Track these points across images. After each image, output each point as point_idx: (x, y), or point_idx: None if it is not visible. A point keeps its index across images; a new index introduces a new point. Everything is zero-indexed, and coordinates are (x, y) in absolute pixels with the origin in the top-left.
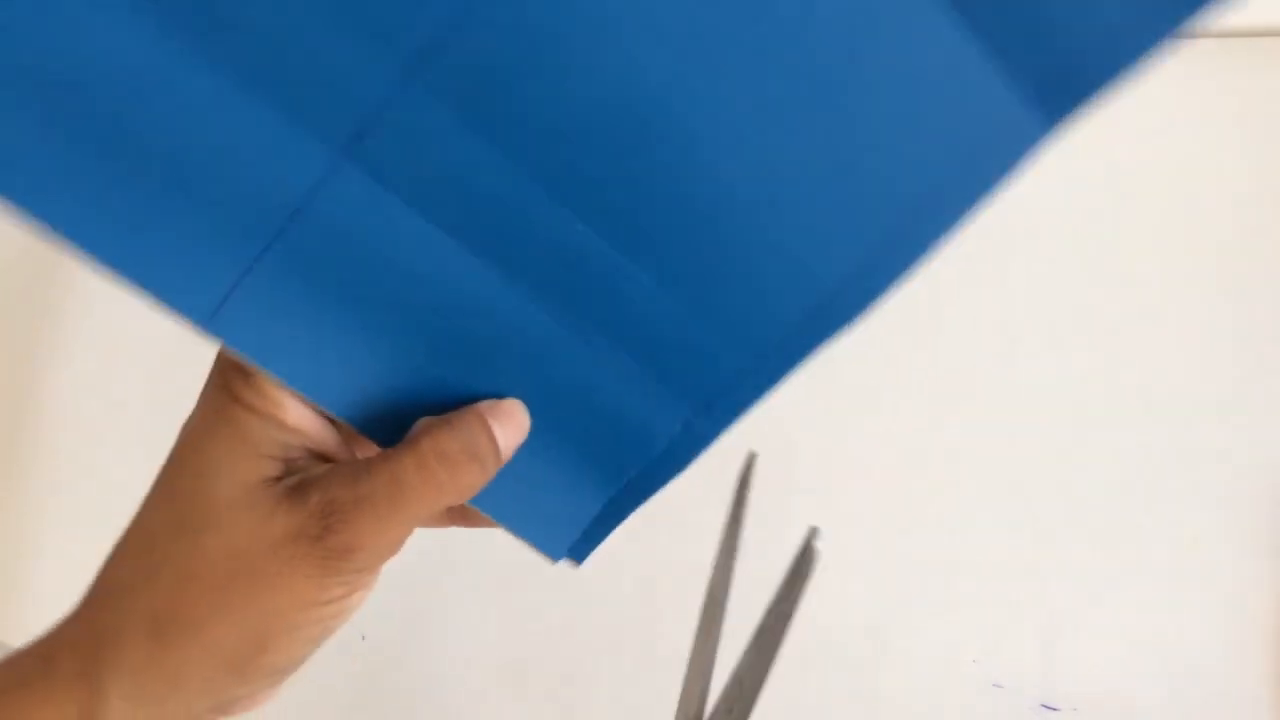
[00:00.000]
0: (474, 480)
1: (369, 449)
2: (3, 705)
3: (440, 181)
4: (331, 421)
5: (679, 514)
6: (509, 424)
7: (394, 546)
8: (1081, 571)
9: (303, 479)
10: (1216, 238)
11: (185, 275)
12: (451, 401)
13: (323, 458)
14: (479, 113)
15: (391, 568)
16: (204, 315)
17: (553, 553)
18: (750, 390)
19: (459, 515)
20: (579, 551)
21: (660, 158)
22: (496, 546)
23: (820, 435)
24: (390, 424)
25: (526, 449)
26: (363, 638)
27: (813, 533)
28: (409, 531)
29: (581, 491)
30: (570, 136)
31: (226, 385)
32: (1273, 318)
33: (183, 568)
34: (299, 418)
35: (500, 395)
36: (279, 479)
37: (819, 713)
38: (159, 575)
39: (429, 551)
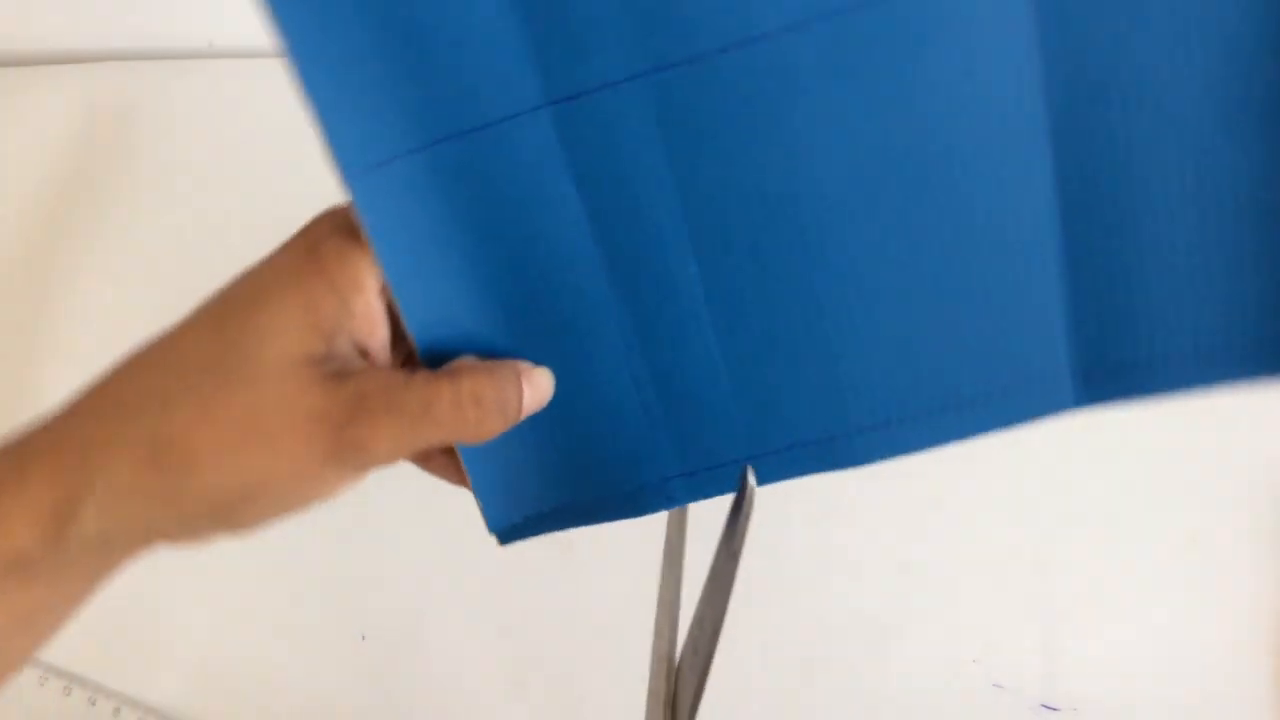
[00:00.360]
0: (493, 429)
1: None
2: None
3: (609, 171)
4: (392, 325)
5: None
6: (536, 390)
7: (396, 457)
8: (1081, 571)
9: (344, 368)
10: None
11: (359, 129)
12: (498, 352)
13: (365, 355)
14: (672, 137)
15: (392, 568)
16: (354, 169)
17: (492, 522)
18: (732, 479)
19: (441, 455)
20: (510, 535)
21: (789, 246)
22: (496, 548)
23: None
24: (441, 350)
25: (531, 423)
26: (363, 638)
27: (745, 470)
28: (416, 450)
29: (546, 484)
30: (732, 196)
31: (316, 251)
32: None
33: (205, 404)
34: (366, 308)
35: (550, 365)
36: (323, 360)
37: (819, 712)
38: (177, 403)
39: (429, 551)
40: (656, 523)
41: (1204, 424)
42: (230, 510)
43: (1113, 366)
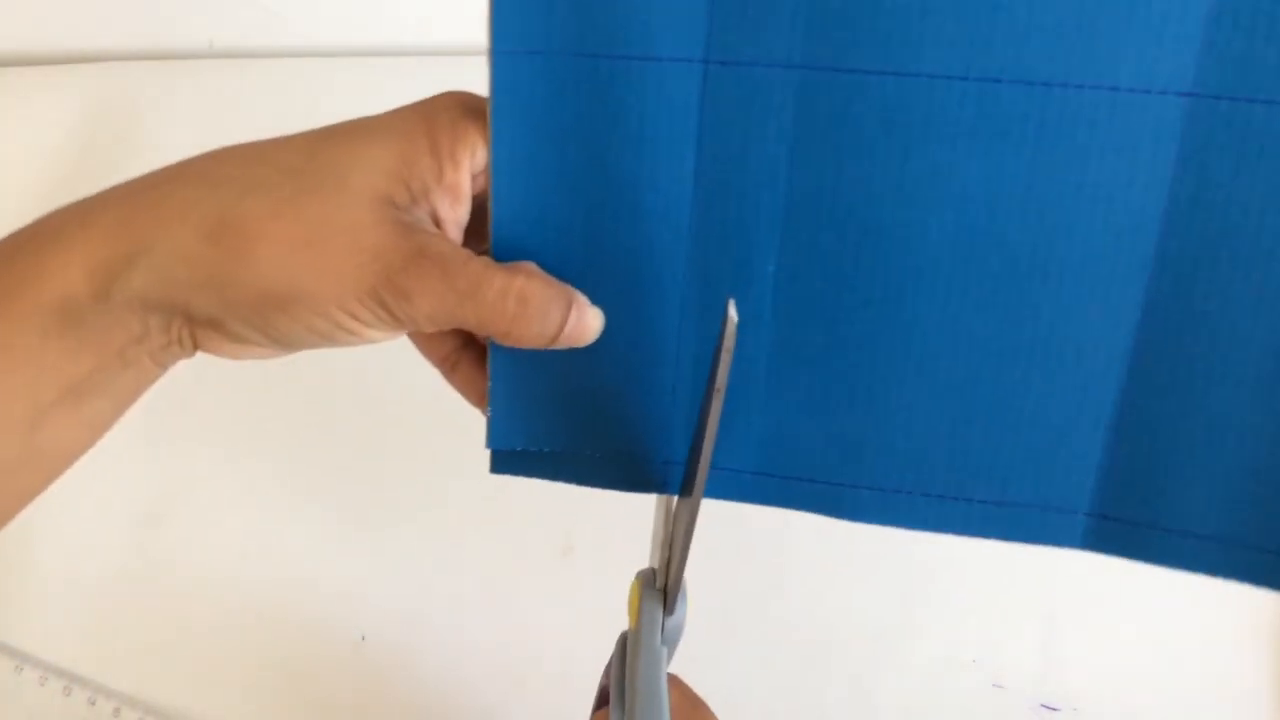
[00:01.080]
0: (526, 334)
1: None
2: (36, 246)
3: (731, 145)
4: (472, 224)
5: None
6: (581, 323)
7: (432, 322)
8: (1081, 571)
9: (416, 222)
10: None
11: (526, 13)
12: (562, 275)
13: (439, 227)
14: (801, 135)
15: (392, 568)
16: (505, 47)
17: (494, 438)
18: (733, 489)
19: (468, 368)
20: (504, 464)
21: (869, 281)
22: (497, 547)
23: None
24: (512, 248)
25: (566, 359)
26: (363, 638)
27: (728, 303)
28: (453, 322)
29: (558, 425)
30: (834, 212)
31: (430, 116)
32: None
33: (279, 202)
34: (454, 183)
35: (605, 310)
36: (401, 209)
37: (819, 712)
38: (254, 192)
39: (429, 551)
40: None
41: None
42: (267, 309)
43: (1130, 522)
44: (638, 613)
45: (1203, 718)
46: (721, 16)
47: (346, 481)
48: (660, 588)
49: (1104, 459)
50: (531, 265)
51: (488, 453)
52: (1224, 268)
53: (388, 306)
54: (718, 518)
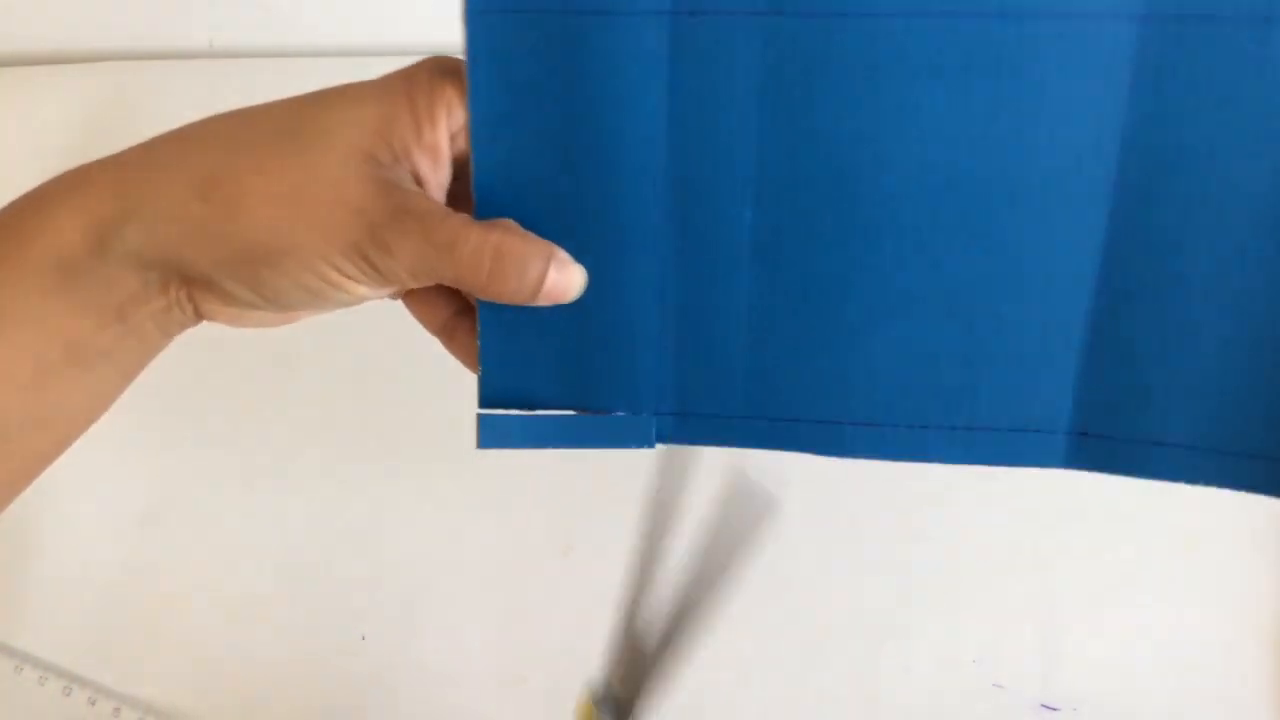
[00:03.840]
0: (502, 290)
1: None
2: (34, 206)
3: (703, 94)
4: (453, 185)
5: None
6: (562, 279)
7: (413, 277)
8: (1081, 571)
9: (398, 180)
10: None
11: None
12: (544, 230)
13: (420, 186)
14: (769, 81)
15: (392, 568)
16: (479, 5)
17: (484, 398)
18: (722, 433)
19: (463, 335)
20: (494, 434)
21: (842, 222)
22: (497, 547)
23: None
24: (495, 204)
25: (552, 314)
26: (363, 638)
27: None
28: (433, 277)
29: (547, 378)
30: (805, 155)
31: (409, 79)
32: None
33: (264, 159)
34: (434, 143)
35: (587, 265)
36: (383, 166)
37: (819, 712)
38: (240, 150)
39: (429, 551)
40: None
41: None
42: (255, 264)
43: (1109, 437)
44: None
45: (1203, 718)
46: None
47: (347, 481)
48: (614, 709)
49: (1080, 378)
50: (510, 222)
51: (487, 453)
52: (1183, 185)
53: (370, 260)
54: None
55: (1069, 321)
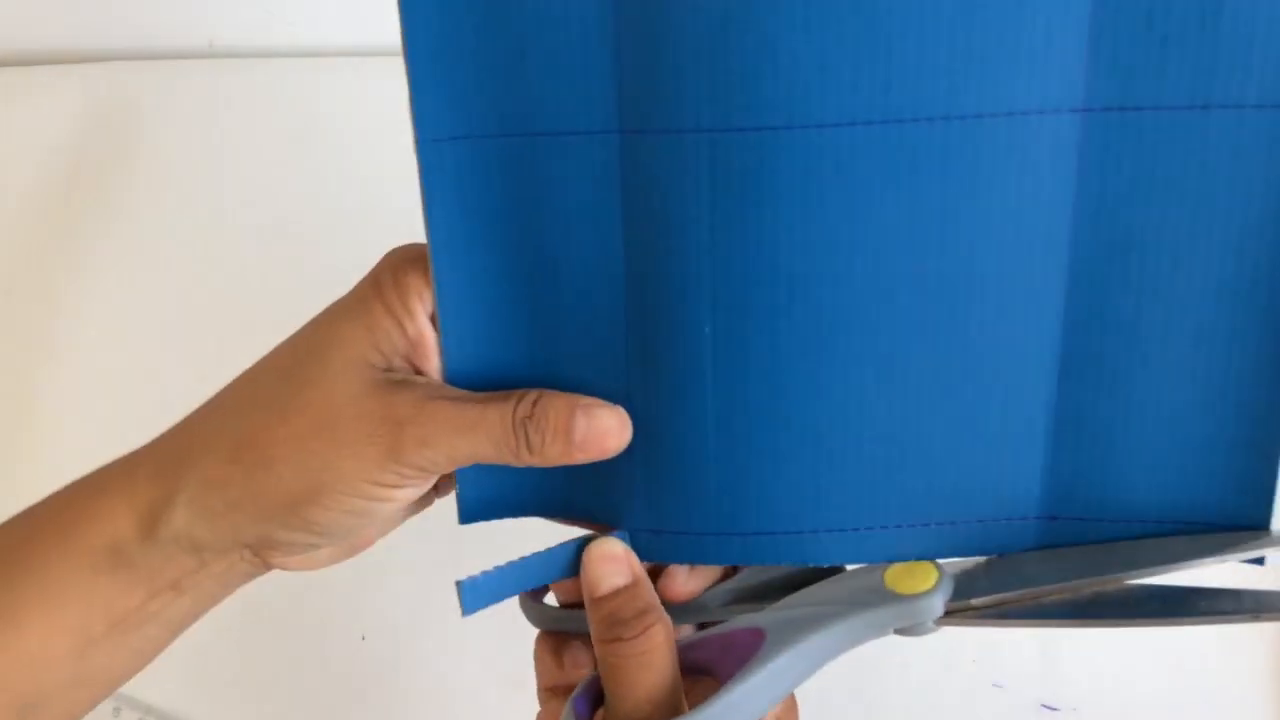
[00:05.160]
0: (538, 456)
1: None
2: (85, 495)
3: (655, 210)
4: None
5: None
6: (595, 428)
7: (454, 461)
8: None
9: (406, 377)
10: None
11: (445, 102)
12: (509, 345)
13: (419, 373)
14: (718, 196)
15: (392, 568)
16: (428, 136)
17: (464, 515)
18: (696, 552)
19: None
20: (474, 595)
21: (803, 330)
22: (497, 547)
23: None
24: (459, 328)
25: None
26: (363, 638)
27: None
28: (471, 458)
29: (525, 491)
30: (760, 266)
31: (378, 284)
32: None
33: (281, 406)
34: (419, 333)
35: (556, 369)
36: (384, 370)
37: (819, 713)
38: (256, 408)
39: (429, 551)
40: None
41: None
42: (300, 506)
43: (1078, 519)
44: None
45: (1202, 718)
46: (630, 88)
47: None
48: None
49: (1046, 463)
50: (533, 392)
51: None
52: (1134, 271)
53: (406, 461)
54: None
55: (1033, 411)
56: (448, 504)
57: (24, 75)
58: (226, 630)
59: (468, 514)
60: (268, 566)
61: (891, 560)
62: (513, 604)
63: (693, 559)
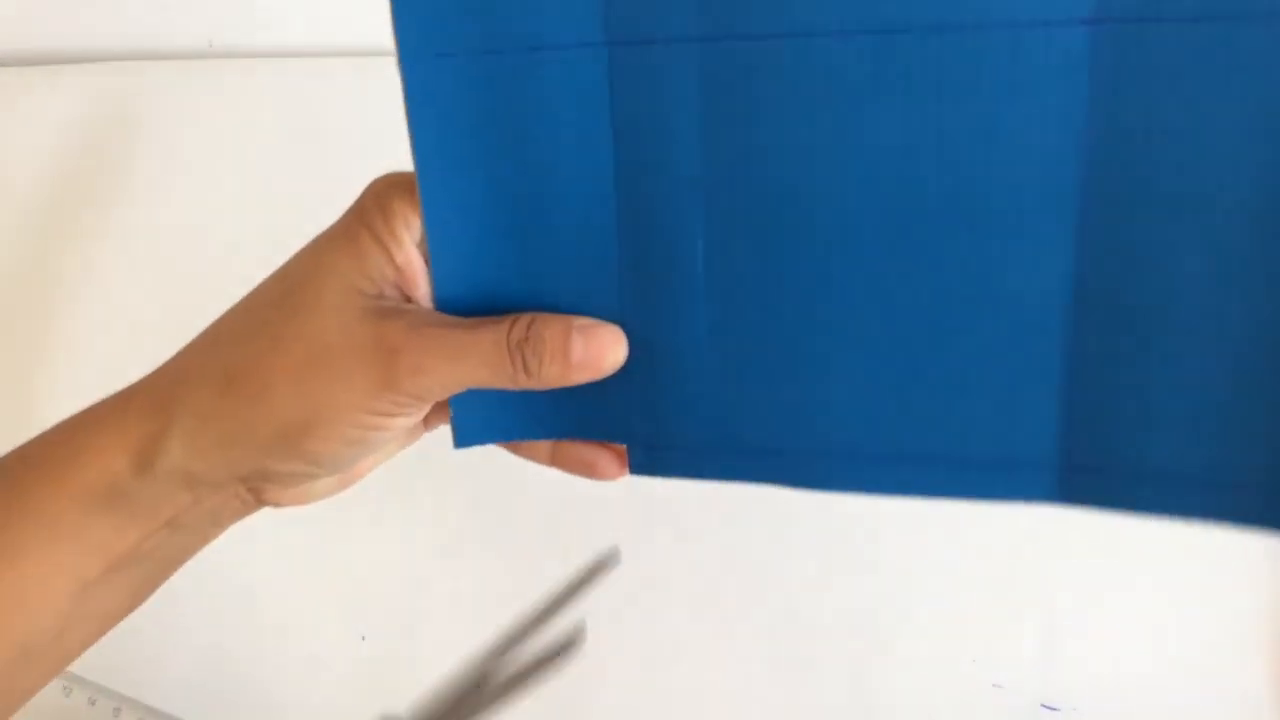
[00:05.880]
0: (535, 378)
1: None
2: (79, 431)
3: (645, 123)
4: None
5: (678, 518)
6: (592, 349)
7: (448, 388)
8: (1081, 571)
9: (397, 305)
10: None
11: (429, 18)
12: (499, 264)
13: (409, 300)
14: (710, 107)
15: (392, 568)
16: (412, 53)
17: (460, 439)
18: (692, 466)
19: (562, 452)
20: (469, 428)
21: (797, 246)
22: (497, 547)
23: None
24: (448, 249)
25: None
26: (363, 638)
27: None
28: (466, 383)
29: (520, 417)
30: (752, 178)
31: (363, 213)
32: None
33: (273, 336)
34: (407, 261)
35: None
36: (375, 298)
37: (818, 713)
38: (248, 339)
39: (429, 551)
40: (659, 523)
41: None
42: (294, 438)
43: (1098, 470)
44: None
45: (1203, 718)
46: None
47: None
48: None
49: (1062, 408)
50: (527, 315)
51: (488, 456)
52: (1154, 200)
53: (401, 388)
54: (717, 518)
55: (1043, 347)
56: (447, 503)
57: (24, 75)
58: (226, 630)
59: (464, 438)
60: (261, 503)
61: (893, 494)
62: (514, 604)
63: (692, 474)
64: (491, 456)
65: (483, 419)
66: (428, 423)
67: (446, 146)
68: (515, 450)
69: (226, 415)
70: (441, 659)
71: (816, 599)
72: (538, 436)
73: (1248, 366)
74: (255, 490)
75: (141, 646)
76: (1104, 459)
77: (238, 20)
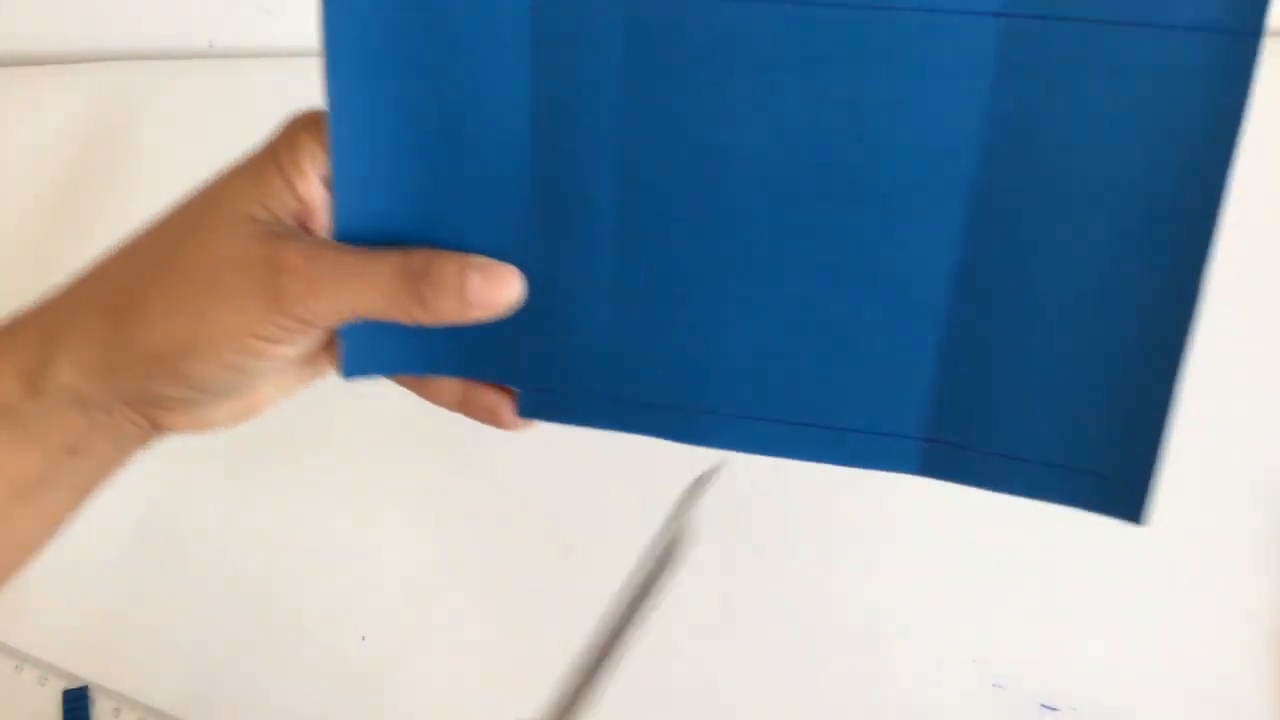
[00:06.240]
0: (438, 309)
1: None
2: None
3: (567, 62)
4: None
5: None
6: (487, 288)
7: (339, 314)
8: (1081, 571)
9: (291, 230)
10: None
11: None
12: (404, 189)
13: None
14: (633, 52)
15: (392, 568)
16: None
17: (349, 369)
18: (581, 412)
19: (473, 399)
20: (358, 359)
21: (704, 205)
22: (497, 547)
23: None
24: (357, 185)
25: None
26: (363, 638)
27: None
28: (353, 312)
29: (409, 350)
30: (669, 132)
31: (271, 145)
32: (1273, 317)
33: (161, 260)
34: (309, 193)
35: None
36: (269, 224)
37: (818, 713)
38: (136, 263)
39: (429, 551)
40: (657, 524)
41: (1203, 424)
42: (176, 361)
43: (963, 447)
44: None
45: (1203, 718)
46: None
47: (346, 481)
48: None
49: (935, 384)
50: (427, 251)
51: (487, 453)
52: (1043, 192)
53: (288, 312)
54: (717, 518)
55: (924, 324)
56: (448, 504)
57: (24, 75)
58: (226, 630)
59: (352, 368)
60: (157, 428)
61: (769, 454)
62: (514, 605)
63: (579, 421)
64: (492, 457)
65: (373, 351)
66: (318, 363)
67: (361, 75)
68: (421, 393)
69: (110, 337)
70: (441, 659)
71: (817, 599)
72: (427, 372)
73: (1104, 365)
74: (147, 415)
75: (141, 646)
76: (967, 437)
77: (238, 20)
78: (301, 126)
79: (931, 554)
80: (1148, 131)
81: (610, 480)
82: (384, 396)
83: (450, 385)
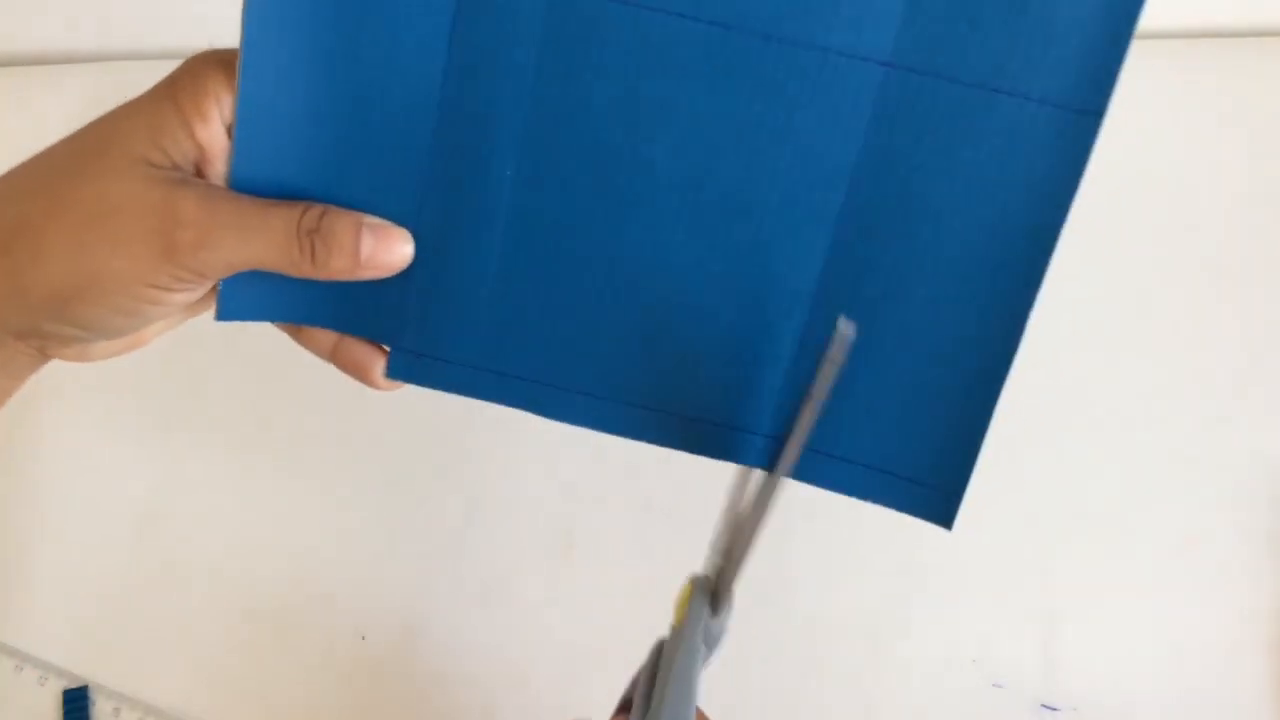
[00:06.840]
0: (331, 266)
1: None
2: None
3: (483, 39)
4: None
5: (679, 519)
6: (380, 250)
7: (232, 266)
8: (1081, 571)
9: (187, 177)
10: (1216, 239)
11: None
12: (306, 145)
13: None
14: (549, 42)
15: (392, 568)
16: None
17: (223, 313)
18: (450, 379)
19: (343, 350)
20: (233, 304)
21: (596, 197)
22: (497, 547)
23: None
24: (259, 137)
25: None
26: (363, 638)
27: (840, 322)
28: (250, 263)
29: (292, 300)
30: (573, 123)
31: (173, 83)
32: (1272, 317)
33: (57, 196)
34: (209, 139)
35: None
36: (166, 168)
37: (818, 712)
38: (30, 199)
39: (429, 551)
40: (657, 523)
41: (1202, 425)
42: (66, 301)
43: (807, 448)
44: (684, 610)
45: (1202, 718)
46: None
47: (346, 481)
48: (710, 591)
49: (784, 387)
50: (321, 206)
51: (487, 453)
52: (899, 227)
53: (182, 262)
54: (716, 518)
55: (780, 333)
56: (448, 504)
57: (24, 75)
58: (226, 630)
59: (226, 311)
60: (46, 356)
61: (629, 437)
62: (514, 604)
63: (449, 387)
64: (491, 457)
65: (252, 296)
66: (207, 301)
67: (277, 24)
68: (295, 338)
69: (2, 273)
70: (441, 659)
71: (817, 599)
72: (304, 322)
73: (932, 386)
74: (38, 348)
75: (141, 646)
76: (810, 438)
77: (238, 20)
78: (210, 67)
79: (931, 554)
80: (998, 182)
81: (610, 480)
82: (385, 396)
83: (324, 334)
